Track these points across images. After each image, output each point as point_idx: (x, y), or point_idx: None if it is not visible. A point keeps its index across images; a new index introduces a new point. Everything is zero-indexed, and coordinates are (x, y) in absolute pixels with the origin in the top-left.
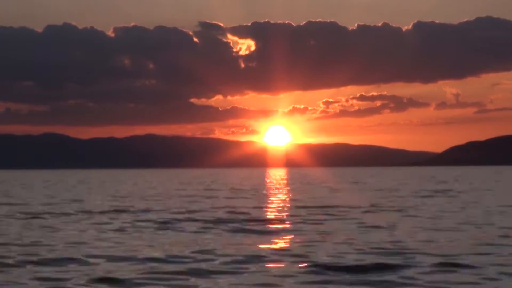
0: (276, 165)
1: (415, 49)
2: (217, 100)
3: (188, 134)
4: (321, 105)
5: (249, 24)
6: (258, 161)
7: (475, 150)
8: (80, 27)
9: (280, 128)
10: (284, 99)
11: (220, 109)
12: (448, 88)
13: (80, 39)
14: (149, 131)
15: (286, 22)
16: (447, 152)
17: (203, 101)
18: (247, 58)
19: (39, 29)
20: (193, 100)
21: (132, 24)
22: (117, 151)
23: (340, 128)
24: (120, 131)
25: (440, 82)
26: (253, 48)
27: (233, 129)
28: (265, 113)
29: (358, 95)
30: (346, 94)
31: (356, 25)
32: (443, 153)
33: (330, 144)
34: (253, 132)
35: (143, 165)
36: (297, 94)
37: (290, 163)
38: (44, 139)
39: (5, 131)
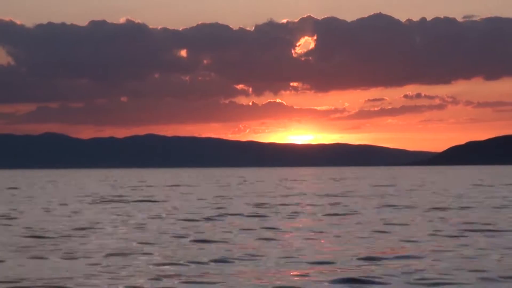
0: (271, 165)
1: (475, 44)
2: (264, 97)
3: (204, 134)
4: (363, 103)
5: (307, 19)
6: (254, 161)
7: (475, 150)
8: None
9: (303, 128)
10: (334, 96)
11: (260, 105)
12: (505, 85)
13: (121, 34)
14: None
15: (346, 18)
16: (447, 152)
17: (249, 98)
18: (302, 55)
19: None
20: (239, 97)
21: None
22: (117, 150)
23: (364, 127)
24: (121, 132)
25: (504, 78)
26: (311, 45)
27: (267, 129)
28: (305, 112)
29: (402, 94)
30: (395, 93)
31: (409, 18)
32: (443, 153)
33: (330, 144)
34: (282, 131)
35: (143, 165)
36: (347, 92)
37: (281, 163)
38: (44, 139)
39: (5, 131)
